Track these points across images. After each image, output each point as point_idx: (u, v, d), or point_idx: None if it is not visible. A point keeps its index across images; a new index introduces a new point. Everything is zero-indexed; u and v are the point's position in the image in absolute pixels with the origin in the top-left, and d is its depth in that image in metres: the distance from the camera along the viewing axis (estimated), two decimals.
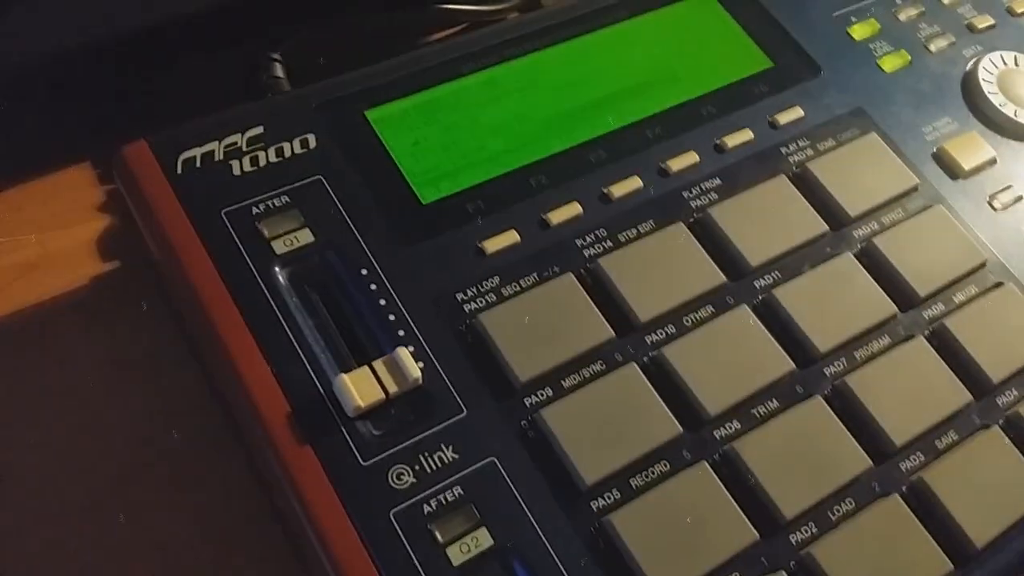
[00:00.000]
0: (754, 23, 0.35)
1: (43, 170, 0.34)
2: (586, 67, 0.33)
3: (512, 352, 0.26)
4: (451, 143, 0.30)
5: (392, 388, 0.25)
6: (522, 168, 0.30)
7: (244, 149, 0.28)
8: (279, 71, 0.36)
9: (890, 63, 0.35)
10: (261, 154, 0.28)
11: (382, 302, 0.27)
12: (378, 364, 0.25)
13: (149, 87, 0.35)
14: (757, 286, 0.29)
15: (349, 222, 0.28)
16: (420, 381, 0.25)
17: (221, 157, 0.28)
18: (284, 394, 0.25)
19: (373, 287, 0.27)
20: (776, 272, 0.29)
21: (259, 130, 0.29)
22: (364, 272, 0.27)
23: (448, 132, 0.30)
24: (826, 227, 0.30)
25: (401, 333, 0.26)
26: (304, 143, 0.29)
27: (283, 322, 0.26)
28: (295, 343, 0.25)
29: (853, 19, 0.36)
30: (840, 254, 0.30)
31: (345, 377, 0.25)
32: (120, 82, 0.35)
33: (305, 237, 0.27)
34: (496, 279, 0.27)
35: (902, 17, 0.36)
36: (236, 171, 0.28)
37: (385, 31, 0.39)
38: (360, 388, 0.25)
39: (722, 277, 0.29)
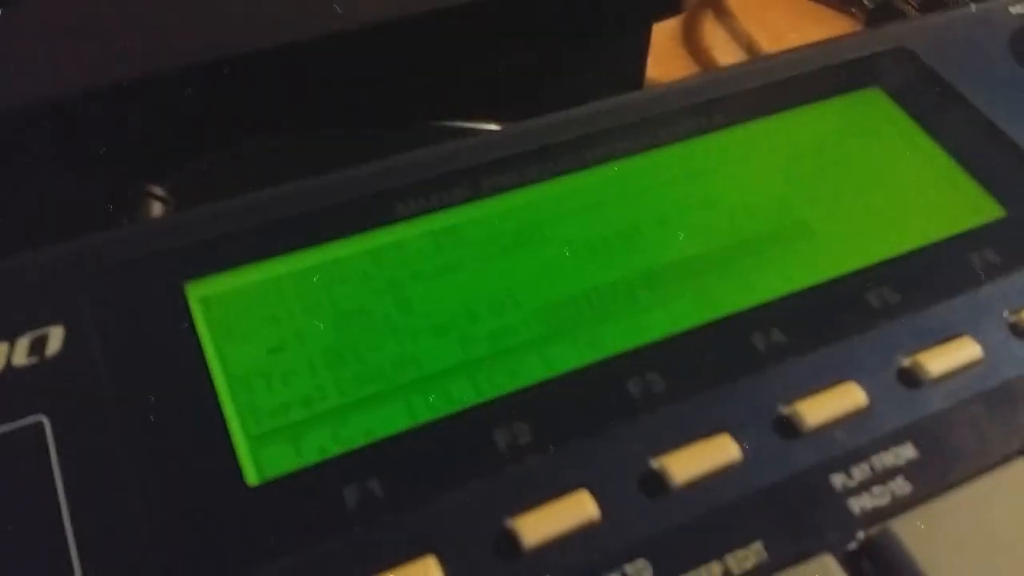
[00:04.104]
0: (963, 137, 0.19)
1: None
2: (634, 207, 0.17)
3: None
4: (345, 351, 0.15)
5: None
6: (474, 408, 0.14)
7: None
8: (158, 211, 0.23)
9: None
10: None
11: None
12: None
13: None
14: None
15: (67, 526, 0.13)
16: None
17: None
18: None
19: None
20: None
21: None
22: None
23: (343, 329, 0.15)
24: None
25: None
26: (37, 346, 0.14)
27: None
28: None
29: None
30: None
31: None
32: None
33: None
34: None
35: None
36: None
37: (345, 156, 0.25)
38: None
39: None
